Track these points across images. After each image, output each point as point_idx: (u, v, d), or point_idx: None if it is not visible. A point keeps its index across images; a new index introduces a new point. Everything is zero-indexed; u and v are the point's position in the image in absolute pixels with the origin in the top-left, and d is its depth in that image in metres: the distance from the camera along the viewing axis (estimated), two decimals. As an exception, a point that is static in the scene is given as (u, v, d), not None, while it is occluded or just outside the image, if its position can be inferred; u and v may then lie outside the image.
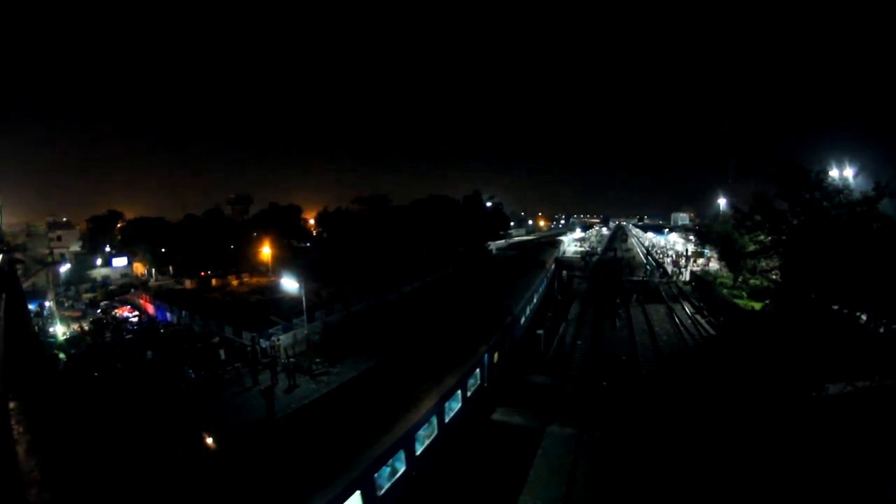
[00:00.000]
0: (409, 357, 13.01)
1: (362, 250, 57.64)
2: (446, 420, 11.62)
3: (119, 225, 66.94)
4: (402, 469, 9.74)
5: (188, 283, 50.03)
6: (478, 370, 13.86)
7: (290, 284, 31.73)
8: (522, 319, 21.71)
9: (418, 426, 10.22)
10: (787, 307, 23.85)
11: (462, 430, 12.68)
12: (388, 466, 9.30)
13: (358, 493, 8.05)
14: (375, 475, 8.73)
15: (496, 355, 15.85)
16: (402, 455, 9.68)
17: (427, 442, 10.74)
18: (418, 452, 10.34)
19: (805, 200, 22.21)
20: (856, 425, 13.15)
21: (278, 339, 25.93)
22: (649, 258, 61.97)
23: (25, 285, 34.85)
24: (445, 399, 11.50)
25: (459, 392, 12.34)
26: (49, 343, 27.52)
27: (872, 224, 19.21)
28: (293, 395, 19.93)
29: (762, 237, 28.93)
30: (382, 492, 9.04)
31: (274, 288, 42.99)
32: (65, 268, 49.98)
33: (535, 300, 25.96)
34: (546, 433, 13.72)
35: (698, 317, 28.94)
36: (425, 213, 68.21)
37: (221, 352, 24.64)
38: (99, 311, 38.95)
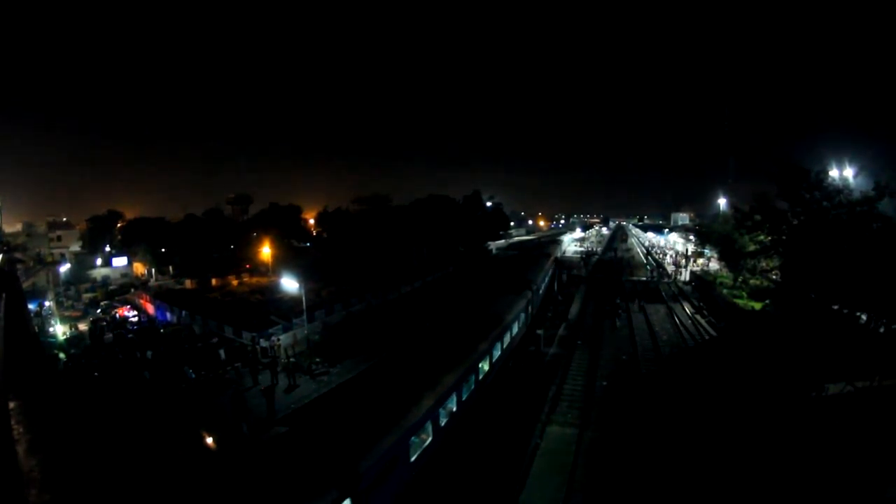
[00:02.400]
0: (473, 309, 18.94)
1: (362, 250, 57.59)
2: (513, 333, 18.85)
3: (119, 225, 66.79)
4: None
5: (188, 283, 50.00)
6: (523, 314, 20.85)
7: (290, 284, 31.69)
8: (541, 290, 27.73)
9: (510, 326, 18.12)
10: (787, 307, 23.85)
11: (520, 346, 20.33)
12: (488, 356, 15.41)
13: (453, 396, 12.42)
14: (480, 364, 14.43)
15: (530, 307, 22.73)
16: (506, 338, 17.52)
17: (509, 339, 18.06)
18: (506, 344, 17.62)
19: (805, 200, 22.20)
20: (856, 425, 13.14)
21: (278, 339, 25.93)
22: (649, 258, 62.02)
23: (25, 285, 34.90)
24: (513, 322, 18.74)
25: (516, 323, 19.43)
26: (49, 343, 27.49)
27: (872, 224, 19.21)
28: (293, 395, 19.94)
29: (762, 237, 28.90)
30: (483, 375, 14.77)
31: (274, 288, 42.97)
32: (65, 268, 49.96)
33: (546, 280, 31.01)
34: (546, 433, 13.74)
35: (698, 317, 28.95)
36: (425, 213, 68.17)
37: (221, 352, 24.62)
38: (99, 310, 38.90)
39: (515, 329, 19.39)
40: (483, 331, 15.59)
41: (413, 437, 10.13)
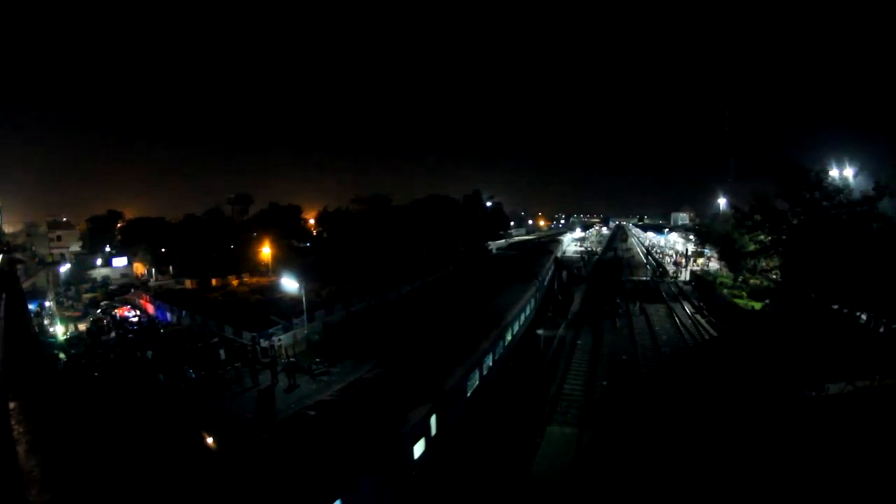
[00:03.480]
0: (494, 294, 22.84)
1: (362, 250, 57.59)
2: (527, 314, 23.00)
3: (119, 225, 66.76)
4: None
5: (188, 283, 49.98)
6: (532, 300, 24.70)
7: (290, 284, 31.70)
8: (545, 282, 31.56)
9: (524, 307, 22.28)
10: (787, 307, 23.84)
11: (533, 321, 24.19)
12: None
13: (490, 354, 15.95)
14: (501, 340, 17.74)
15: (538, 294, 26.60)
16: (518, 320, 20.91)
17: (524, 318, 22.19)
18: (521, 320, 21.58)
19: (805, 200, 22.21)
20: (856, 425, 13.14)
21: (279, 339, 25.92)
22: (649, 258, 61.99)
23: (25, 285, 34.88)
24: (526, 305, 22.77)
25: (528, 306, 23.51)
26: (49, 343, 27.50)
27: (872, 224, 19.21)
28: (293, 395, 19.94)
29: (762, 237, 28.91)
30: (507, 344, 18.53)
31: (274, 288, 42.96)
32: (65, 268, 49.92)
33: (549, 274, 34.56)
34: (546, 433, 13.73)
35: (698, 316, 28.93)
36: (425, 213, 68.21)
37: (221, 352, 24.61)
38: (99, 311, 38.89)
39: (528, 310, 23.60)
40: (506, 309, 19.78)
41: (468, 380, 13.24)
